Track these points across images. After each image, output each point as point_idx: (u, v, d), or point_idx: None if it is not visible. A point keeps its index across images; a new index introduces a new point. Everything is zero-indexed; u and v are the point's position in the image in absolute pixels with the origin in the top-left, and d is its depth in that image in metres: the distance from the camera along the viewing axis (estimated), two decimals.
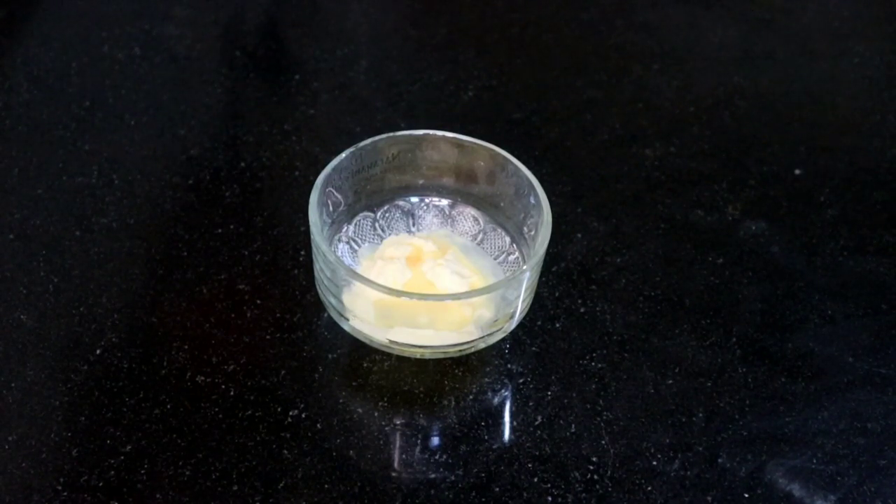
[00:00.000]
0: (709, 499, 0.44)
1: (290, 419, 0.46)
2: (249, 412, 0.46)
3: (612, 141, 0.64)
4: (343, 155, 0.49)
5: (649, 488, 0.45)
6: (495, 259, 0.51)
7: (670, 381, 0.49)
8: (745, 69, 0.71)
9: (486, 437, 0.46)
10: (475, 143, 0.50)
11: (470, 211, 0.52)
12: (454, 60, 0.70)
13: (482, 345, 0.47)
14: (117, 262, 0.53)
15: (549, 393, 0.48)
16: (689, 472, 0.45)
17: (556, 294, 0.53)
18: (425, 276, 0.48)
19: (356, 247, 0.51)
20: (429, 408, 0.47)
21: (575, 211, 0.58)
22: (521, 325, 0.50)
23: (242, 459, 0.45)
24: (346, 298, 0.46)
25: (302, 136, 0.63)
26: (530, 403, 0.48)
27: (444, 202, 0.53)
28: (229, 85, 0.67)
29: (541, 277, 0.52)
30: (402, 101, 0.66)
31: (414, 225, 0.53)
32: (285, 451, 0.45)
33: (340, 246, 0.51)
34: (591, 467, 0.45)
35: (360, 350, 0.49)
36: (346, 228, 0.51)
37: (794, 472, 0.45)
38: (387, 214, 0.52)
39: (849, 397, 0.49)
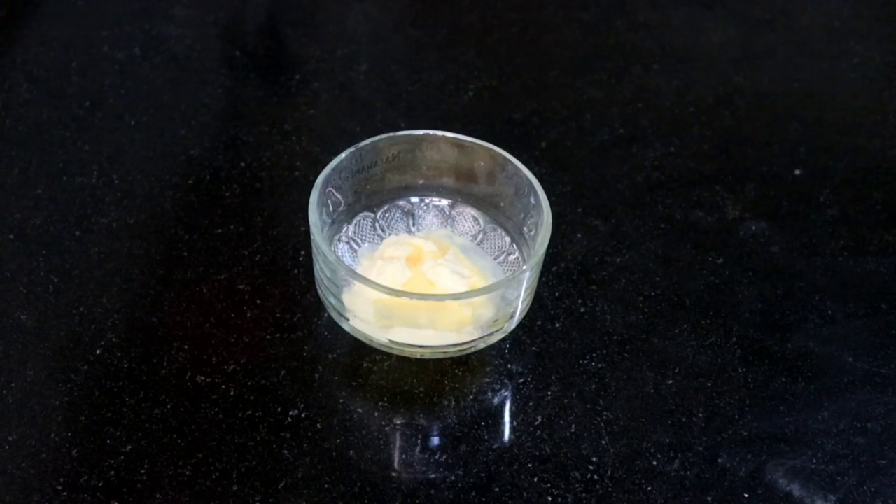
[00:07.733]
0: (709, 499, 0.44)
1: (290, 419, 0.46)
2: (249, 412, 0.46)
3: (612, 141, 0.64)
4: (343, 155, 0.49)
5: (649, 488, 0.45)
6: (495, 259, 0.51)
7: (670, 381, 0.49)
8: (745, 69, 0.71)
9: (486, 437, 0.46)
10: (475, 143, 0.50)
11: (470, 211, 0.52)
12: (454, 60, 0.70)
13: (482, 345, 0.47)
14: (117, 262, 0.53)
15: (549, 393, 0.48)
16: (689, 472, 0.45)
17: (556, 294, 0.53)
18: (425, 276, 0.48)
19: (356, 247, 0.51)
20: (429, 408, 0.47)
21: (575, 211, 0.58)
22: (521, 325, 0.50)
23: (242, 459, 0.45)
24: (346, 298, 0.46)
25: (302, 136, 0.63)
26: (530, 403, 0.48)
27: (444, 202, 0.53)
28: (229, 85, 0.67)
29: (541, 277, 0.52)
30: (402, 101, 0.66)
31: (414, 225, 0.53)
32: (285, 451, 0.45)
33: (340, 246, 0.51)
34: (591, 467, 0.45)
35: (360, 350, 0.49)
36: (346, 228, 0.51)
37: (794, 472, 0.45)
38: (387, 214, 0.52)
39: (849, 397, 0.49)
